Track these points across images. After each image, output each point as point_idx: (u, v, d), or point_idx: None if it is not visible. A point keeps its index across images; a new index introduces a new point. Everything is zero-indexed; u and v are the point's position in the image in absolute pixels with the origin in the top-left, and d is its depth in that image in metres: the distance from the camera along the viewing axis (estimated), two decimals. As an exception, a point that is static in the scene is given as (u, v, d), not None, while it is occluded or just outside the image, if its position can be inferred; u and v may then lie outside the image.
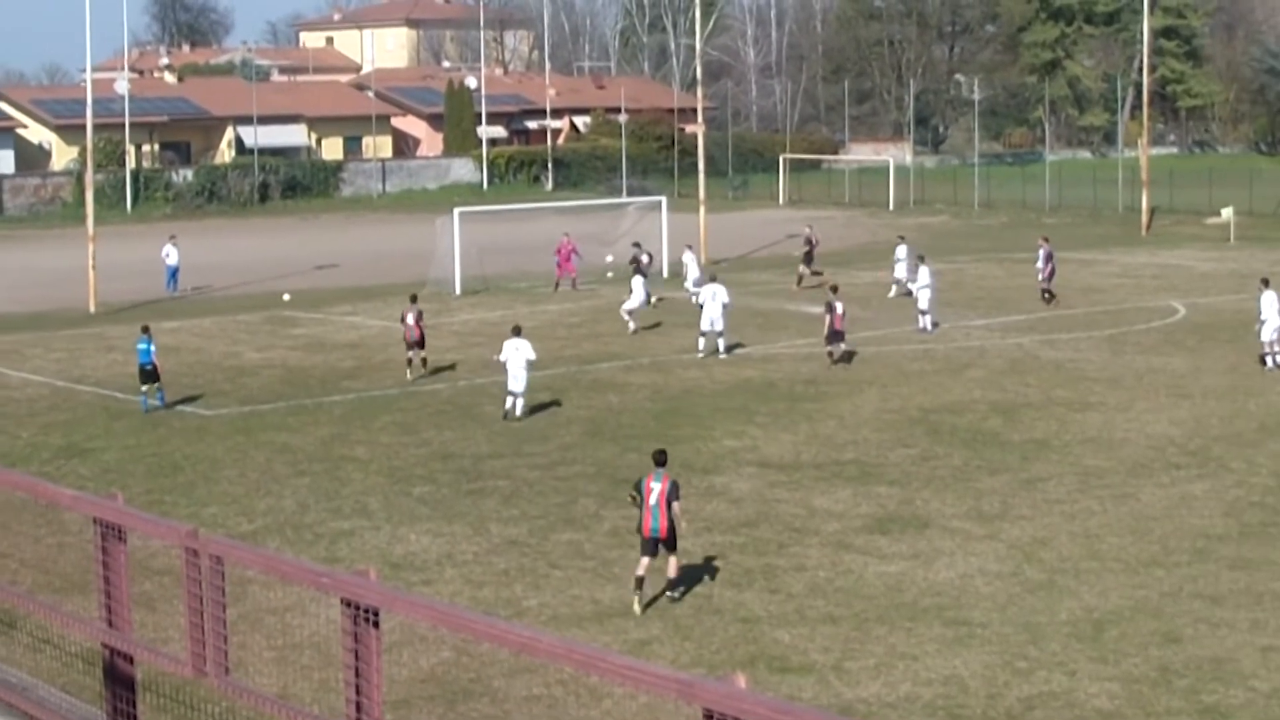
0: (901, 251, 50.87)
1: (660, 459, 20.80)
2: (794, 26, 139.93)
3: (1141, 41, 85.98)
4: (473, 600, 20.28)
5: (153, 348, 32.61)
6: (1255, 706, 16.71)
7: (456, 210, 53.36)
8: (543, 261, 54.13)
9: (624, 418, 31.84)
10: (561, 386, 34.99)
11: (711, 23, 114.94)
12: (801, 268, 53.37)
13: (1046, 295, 47.20)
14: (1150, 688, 17.23)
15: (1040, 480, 26.37)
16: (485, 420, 31.68)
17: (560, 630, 18.73)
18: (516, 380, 31.47)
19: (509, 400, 31.69)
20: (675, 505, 20.19)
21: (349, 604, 8.05)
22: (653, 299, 45.41)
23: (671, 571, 20.23)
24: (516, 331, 32.24)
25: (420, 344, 36.18)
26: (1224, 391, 33.76)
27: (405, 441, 29.81)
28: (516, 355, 31.51)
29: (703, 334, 38.82)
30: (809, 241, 54.39)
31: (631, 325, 42.52)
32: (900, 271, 49.73)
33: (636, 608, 19.71)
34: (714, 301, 38.47)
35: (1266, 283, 37.18)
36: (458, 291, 51.00)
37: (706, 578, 21.21)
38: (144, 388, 32.94)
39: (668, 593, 20.22)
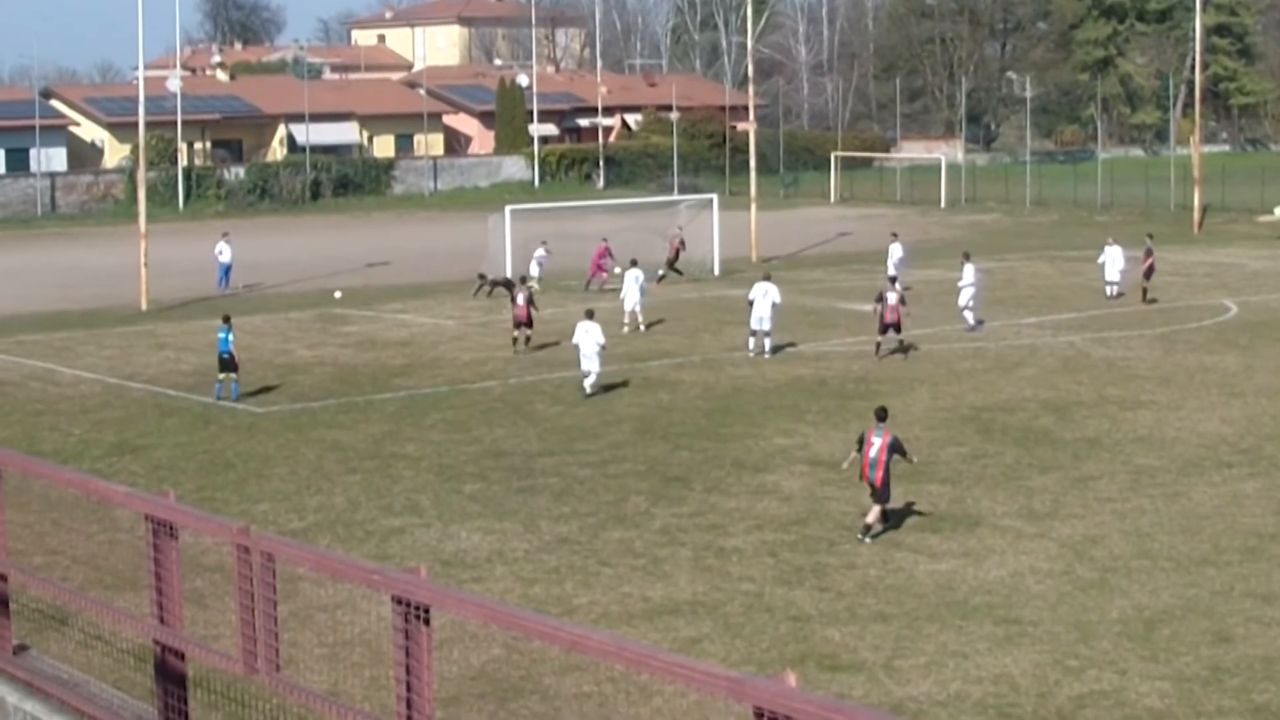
0: (895, 250, 51.32)
1: (881, 415, 23.58)
2: (845, 24, 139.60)
3: (1194, 39, 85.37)
4: (523, 598, 20.29)
5: (231, 337, 33.26)
6: (1309, 707, 16.56)
7: (508, 208, 53.46)
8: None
9: (675, 415, 31.82)
10: (612, 384, 34.98)
11: (763, 20, 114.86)
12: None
13: (1146, 295, 45.57)
14: (1201, 687, 17.11)
15: (1091, 479, 26.22)
16: (536, 418, 31.71)
17: (610, 628, 18.73)
18: (589, 360, 33.49)
19: (585, 380, 33.66)
20: (898, 456, 22.93)
21: (400, 601, 8.07)
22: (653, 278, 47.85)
23: (871, 518, 22.79)
24: (589, 315, 34.10)
25: (528, 324, 39.59)
26: (1276, 390, 33.49)
27: (456, 439, 29.86)
28: (587, 337, 33.39)
29: (752, 333, 38.65)
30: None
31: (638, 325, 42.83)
32: (892, 270, 49.70)
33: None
34: (764, 299, 38.18)
35: None
36: (509, 289, 51.00)
37: (756, 576, 21.17)
38: (220, 376, 33.83)
39: (859, 535, 22.64)
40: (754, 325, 38.45)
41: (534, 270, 51.40)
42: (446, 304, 49.19)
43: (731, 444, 29.01)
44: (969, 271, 42.52)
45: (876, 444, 22.76)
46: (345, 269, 59.42)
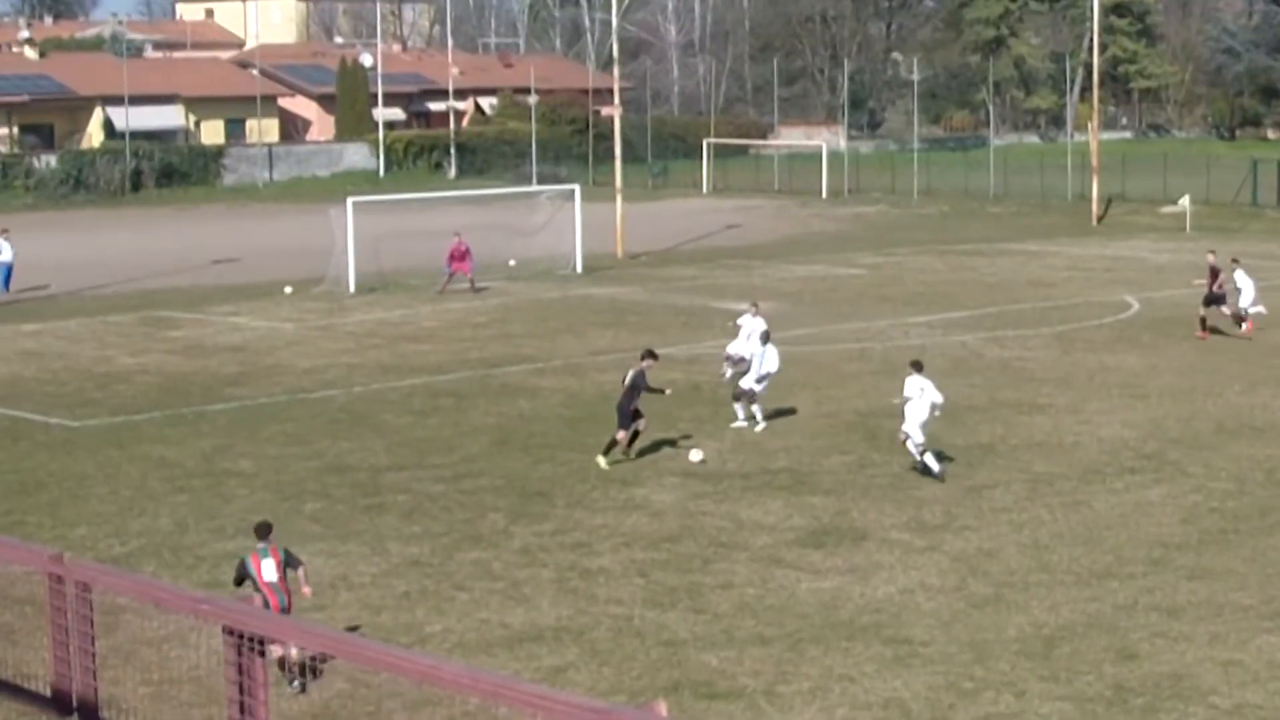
0: (747, 325, 35.18)
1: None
2: (718, 1, 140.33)
3: (1091, 19, 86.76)
4: (370, 627, 20.17)
5: None
6: (1217, 729, 16.87)
7: (350, 200, 53.14)
8: (444, 256, 53.94)
9: (535, 425, 31.79)
10: (467, 391, 34.90)
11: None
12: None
13: (1238, 321, 41.99)
14: (1105, 707, 17.37)
15: (986, 488, 26.55)
16: (384, 429, 31.55)
17: (466, 658, 18.68)
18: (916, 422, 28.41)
19: None
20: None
21: (232, 632, 7.98)
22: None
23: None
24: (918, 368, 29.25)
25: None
26: (1181, 392, 34.13)
27: (295, 453, 29.62)
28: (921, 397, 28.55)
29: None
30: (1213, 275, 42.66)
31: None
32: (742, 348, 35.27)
33: None
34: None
35: (1237, 262, 41.25)
36: (352, 289, 50.77)
37: (625, 598, 21.20)
38: None
39: None
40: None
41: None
42: (284, 306, 48.78)
43: (597, 455, 29.03)
44: (1240, 277, 41.39)
45: None
46: (173, 268, 58.72)
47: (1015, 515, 24.93)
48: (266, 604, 17.78)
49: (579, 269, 55.59)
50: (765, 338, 31.22)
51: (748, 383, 29.86)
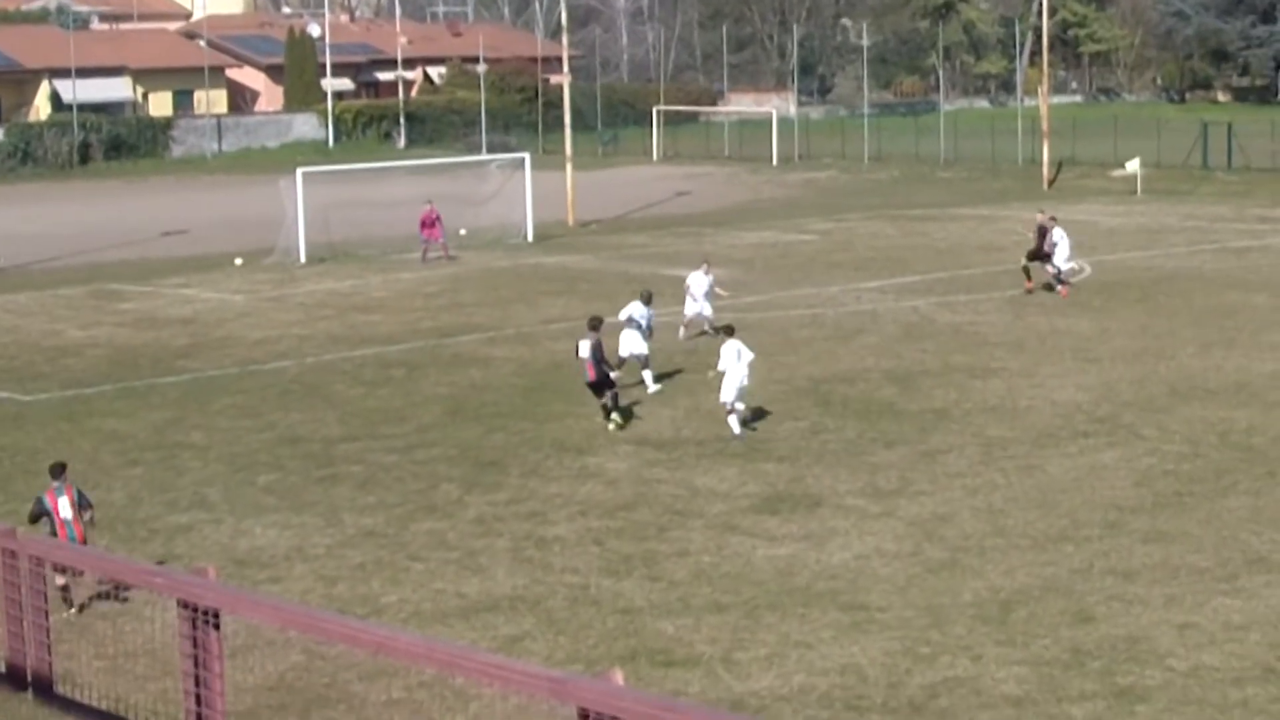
0: (696, 283, 37.17)
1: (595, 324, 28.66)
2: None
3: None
4: (325, 598, 20.10)
5: None
6: (1173, 687, 16.95)
7: (300, 170, 52.87)
8: (395, 226, 53.80)
9: (488, 395, 31.72)
10: (419, 361, 34.80)
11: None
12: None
13: (1057, 280, 42.51)
14: (1061, 670, 17.43)
15: (940, 453, 26.60)
16: (336, 400, 31.44)
17: (422, 628, 18.63)
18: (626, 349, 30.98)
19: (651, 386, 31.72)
20: None
21: (186, 605, 7.92)
22: None
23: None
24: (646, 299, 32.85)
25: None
26: (1133, 354, 34.26)
27: (247, 425, 29.49)
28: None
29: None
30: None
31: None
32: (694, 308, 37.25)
33: None
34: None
35: (1054, 220, 42.68)
36: (303, 260, 50.58)
37: (581, 566, 21.18)
38: None
39: None
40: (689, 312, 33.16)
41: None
42: (234, 277, 48.54)
43: (550, 424, 28.97)
44: (1058, 234, 41.83)
45: None
46: (122, 240, 58.36)
47: (969, 480, 24.99)
48: (55, 535, 19.39)
49: (530, 238, 55.47)
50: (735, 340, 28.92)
51: (726, 396, 28.83)
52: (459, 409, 30.51)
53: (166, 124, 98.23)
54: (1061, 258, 41.99)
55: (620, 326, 31.84)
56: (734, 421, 27.61)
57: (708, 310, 36.59)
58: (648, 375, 31.42)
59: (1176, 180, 72.63)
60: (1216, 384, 31.36)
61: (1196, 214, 61.46)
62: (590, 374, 28.72)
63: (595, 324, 29.31)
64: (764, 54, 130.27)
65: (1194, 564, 20.86)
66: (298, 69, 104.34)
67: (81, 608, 19.14)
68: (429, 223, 50.33)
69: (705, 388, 31.60)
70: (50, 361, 36.01)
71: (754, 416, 28.76)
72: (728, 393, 27.63)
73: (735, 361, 27.63)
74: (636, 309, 32.34)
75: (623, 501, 24.23)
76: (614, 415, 28.56)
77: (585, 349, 28.77)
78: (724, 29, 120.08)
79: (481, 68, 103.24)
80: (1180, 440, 27.10)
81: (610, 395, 28.72)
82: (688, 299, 36.49)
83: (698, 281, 36.54)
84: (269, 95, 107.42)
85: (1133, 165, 70.55)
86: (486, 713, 15.96)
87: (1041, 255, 42.08)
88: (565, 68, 66.88)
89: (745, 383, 27.87)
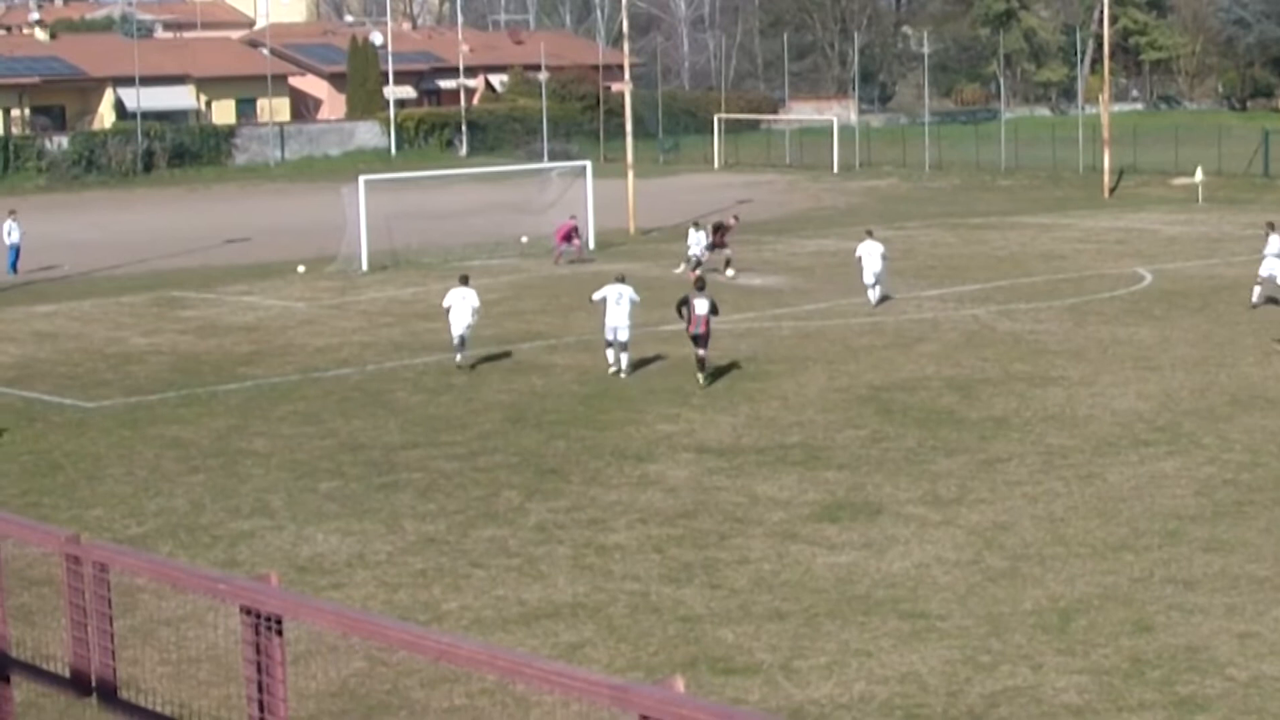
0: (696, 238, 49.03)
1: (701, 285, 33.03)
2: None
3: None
4: (387, 605, 20.17)
5: None
6: (1233, 696, 16.85)
7: (362, 178, 53.10)
8: (456, 233, 53.97)
9: (548, 402, 31.77)
10: (480, 369, 34.89)
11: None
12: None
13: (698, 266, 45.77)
14: (1121, 680, 17.34)
15: (1000, 461, 26.51)
16: (397, 407, 31.55)
17: (483, 635, 18.68)
18: (460, 325, 34.36)
19: (458, 355, 34.74)
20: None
21: (249, 612, 7.95)
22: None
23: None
24: (464, 280, 35.06)
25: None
26: (1194, 363, 34.06)
27: (309, 432, 29.62)
28: (463, 304, 34.28)
29: (608, 344, 34.32)
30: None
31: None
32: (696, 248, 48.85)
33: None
34: (618, 305, 33.84)
35: (1272, 225, 42.81)
36: (364, 267, 50.80)
37: (641, 574, 21.20)
38: None
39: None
40: (608, 336, 34.40)
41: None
42: (296, 285, 48.79)
43: (611, 432, 29.01)
44: (869, 248, 42.31)
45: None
46: (185, 248, 58.74)
47: (1030, 488, 24.89)
48: None
49: (591, 245, 55.54)
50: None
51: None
52: (520, 416, 30.57)
53: (229, 132, 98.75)
54: (870, 273, 42.51)
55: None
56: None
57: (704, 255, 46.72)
58: (624, 358, 34.21)
59: (1238, 189, 72.13)
60: (1277, 393, 31.13)
61: (1258, 223, 60.82)
62: (702, 327, 32.14)
63: (701, 285, 33.53)
64: (825, 62, 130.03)
65: (1254, 573, 20.72)
66: (360, 77, 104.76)
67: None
68: (568, 234, 51.32)
69: (765, 395, 31.62)
70: (114, 369, 36.26)
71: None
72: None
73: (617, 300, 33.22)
74: (613, 290, 34.55)
75: (683, 509, 24.23)
76: (703, 373, 32.48)
77: (703, 306, 32.27)
78: (785, 37, 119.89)
79: (543, 75, 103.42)
80: (1240, 449, 26.93)
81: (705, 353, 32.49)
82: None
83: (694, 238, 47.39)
84: (331, 103, 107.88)
85: (1199, 174, 70.15)
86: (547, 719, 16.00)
87: (719, 246, 47.19)
88: (626, 75, 66.98)
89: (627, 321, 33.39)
